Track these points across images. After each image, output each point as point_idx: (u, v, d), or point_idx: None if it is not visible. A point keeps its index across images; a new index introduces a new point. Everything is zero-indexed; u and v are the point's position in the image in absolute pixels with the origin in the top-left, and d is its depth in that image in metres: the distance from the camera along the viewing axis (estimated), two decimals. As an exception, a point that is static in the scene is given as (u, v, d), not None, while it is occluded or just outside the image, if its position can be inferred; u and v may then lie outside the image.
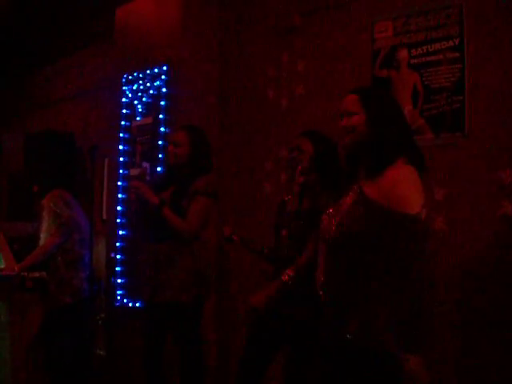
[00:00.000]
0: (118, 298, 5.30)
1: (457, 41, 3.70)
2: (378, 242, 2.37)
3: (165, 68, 5.08)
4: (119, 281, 5.31)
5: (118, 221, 5.39)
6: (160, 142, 4.99)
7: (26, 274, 4.73)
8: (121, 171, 5.46)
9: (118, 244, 5.38)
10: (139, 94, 5.37)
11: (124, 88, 5.50)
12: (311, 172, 3.42)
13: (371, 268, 2.38)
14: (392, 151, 2.46)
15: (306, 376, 3.33)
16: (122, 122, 5.49)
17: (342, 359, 2.42)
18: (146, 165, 4.80)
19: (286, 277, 3.28)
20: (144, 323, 4.11)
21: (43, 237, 4.67)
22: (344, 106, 2.58)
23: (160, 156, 4.96)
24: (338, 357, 2.44)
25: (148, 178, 4.68)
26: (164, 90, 5.07)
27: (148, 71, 5.24)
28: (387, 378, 2.34)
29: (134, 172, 4.63)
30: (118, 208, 5.39)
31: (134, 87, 5.40)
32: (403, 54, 3.98)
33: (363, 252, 2.39)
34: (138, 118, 5.40)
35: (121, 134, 5.49)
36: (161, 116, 5.04)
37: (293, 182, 3.59)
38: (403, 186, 2.38)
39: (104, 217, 6.31)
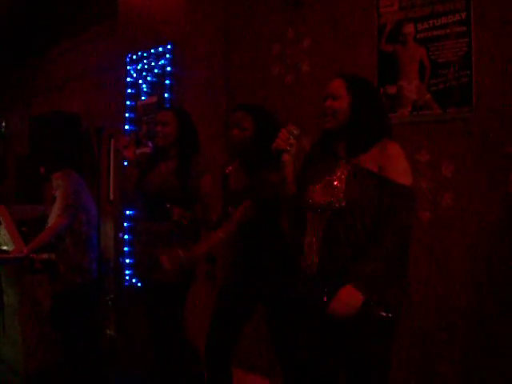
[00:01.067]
0: (127, 278, 5.32)
1: (463, 15, 3.66)
2: (380, 211, 2.60)
3: (169, 47, 5.05)
4: (127, 261, 5.32)
5: (126, 201, 5.39)
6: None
7: (34, 255, 4.75)
8: (127, 151, 5.45)
9: (125, 224, 5.39)
10: (144, 73, 5.35)
11: (128, 67, 5.49)
12: (250, 150, 3.43)
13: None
14: (378, 131, 2.72)
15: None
16: (127, 102, 5.49)
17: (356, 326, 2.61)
18: (151, 144, 4.78)
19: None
20: (144, 302, 4.14)
21: (52, 217, 4.66)
22: (330, 89, 2.78)
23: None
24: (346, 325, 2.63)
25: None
26: (169, 68, 5.05)
27: (152, 50, 5.22)
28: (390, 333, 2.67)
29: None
30: (125, 188, 5.38)
31: (139, 66, 5.38)
32: (409, 28, 3.93)
33: (369, 221, 2.62)
34: (142, 98, 5.39)
35: (126, 114, 5.48)
36: (166, 95, 5.03)
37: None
38: (400, 159, 2.66)
39: (111, 198, 6.32)
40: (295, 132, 2.85)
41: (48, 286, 4.89)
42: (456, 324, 3.59)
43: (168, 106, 4.92)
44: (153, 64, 5.23)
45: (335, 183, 2.67)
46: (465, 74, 3.63)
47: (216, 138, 5.03)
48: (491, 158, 3.49)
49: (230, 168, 3.66)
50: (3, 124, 8.74)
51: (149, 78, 5.30)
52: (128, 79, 5.49)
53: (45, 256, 4.81)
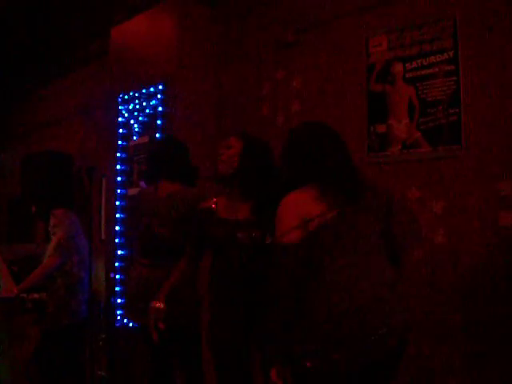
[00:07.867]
0: (118, 318, 5.27)
1: (451, 53, 3.71)
2: None
3: (160, 87, 5.08)
4: (119, 301, 5.28)
5: (117, 241, 5.37)
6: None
7: (25, 295, 4.72)
8: (118, 191, 5.46)
9: (116, 264, 5.36)
10: (135, 113, 5.37)
11: (120, 107, 5.51)
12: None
13: None
14: None
15: None
16: (119, 142, 5.50)
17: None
18: (143, 184, 4.78)
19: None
20: (145, 347, 4.03)
21: (46, 256, 4.64)
22: None
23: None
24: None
25: None
26: (160, 108, 5.07)
27: (144, 90, 5.24)
28: None
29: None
30: (117, 228, 5.37)
31: (130, 107, 5.40)
32: (398, 67, 3.98)
33: None
34: (134, 138, 5.40)
35: (118, 154, 5.49)
36: (157, 135, 5.04)
37: None
38: None
39: (102, 237, 6.29)
40: None
41: (37, 324, 4.85)
42: (450, 355, 3.58)
43: None
44: (144, 104, 5.25)
45: None
46: (454, 112, 3.67)
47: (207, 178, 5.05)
48: (481, 194, 3.52)
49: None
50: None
51: (140, 118, 5.32)
52: (120, 119, 5.50)
53: (36, 296, 4.77)
